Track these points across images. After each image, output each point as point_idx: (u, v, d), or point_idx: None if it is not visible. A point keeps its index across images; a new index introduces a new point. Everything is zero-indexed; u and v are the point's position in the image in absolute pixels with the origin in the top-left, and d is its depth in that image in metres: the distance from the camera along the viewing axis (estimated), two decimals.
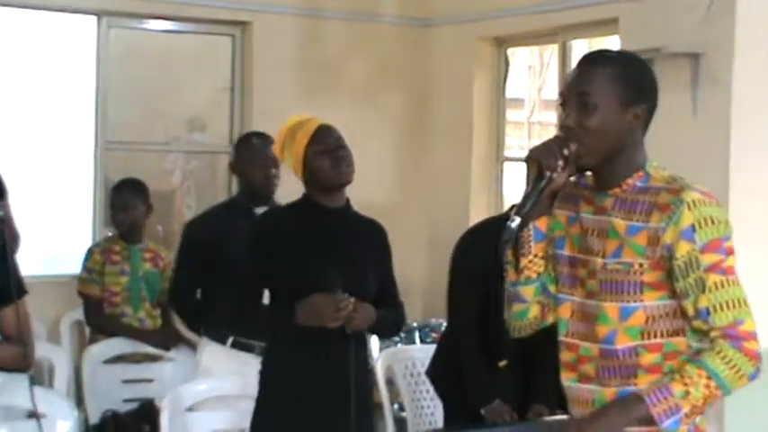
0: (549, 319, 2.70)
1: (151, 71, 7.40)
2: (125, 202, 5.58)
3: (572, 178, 2.62)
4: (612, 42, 6.58)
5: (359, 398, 3.61)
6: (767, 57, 5.53)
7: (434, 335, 6.25)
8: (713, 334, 2.46)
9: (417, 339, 6.42)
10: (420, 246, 7.68)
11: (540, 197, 2.56)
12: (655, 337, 2.52)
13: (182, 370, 5.22)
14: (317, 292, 3.48)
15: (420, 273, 7.58)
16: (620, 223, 2.53)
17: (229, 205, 4.81)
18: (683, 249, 2.47)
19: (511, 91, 7.85)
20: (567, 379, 2.64)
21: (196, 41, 7.54)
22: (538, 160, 2.55)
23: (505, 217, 4.59)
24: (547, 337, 2.75)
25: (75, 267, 5.77)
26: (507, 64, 7.61)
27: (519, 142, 8.57)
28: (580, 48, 7.34)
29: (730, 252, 2.51)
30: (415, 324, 6.07)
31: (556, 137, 2.59)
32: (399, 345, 6.13)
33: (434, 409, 4.93)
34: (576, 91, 2.56)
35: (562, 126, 2.58)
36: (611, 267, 2.54)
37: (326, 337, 3.50)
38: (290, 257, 3.60)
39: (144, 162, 7.35)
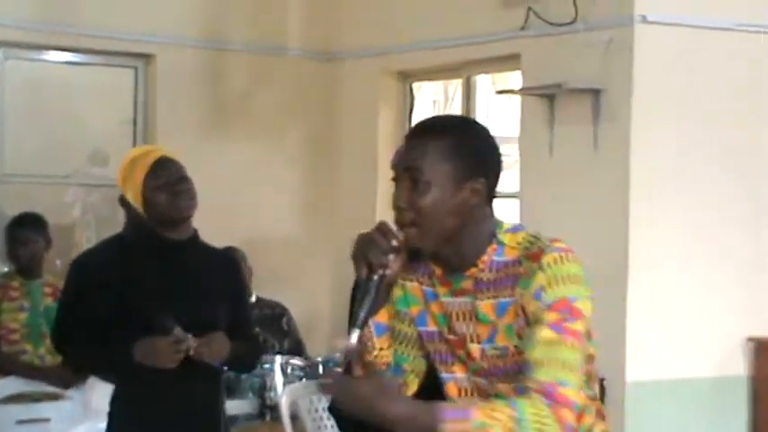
0: (409, 394, 2.45)
1: (51, 103, 7.29)
2: (24, 237, 5.48)
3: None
4: (515, 77, 6.66)
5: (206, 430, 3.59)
6: (663, 92, 5.65)
7: (338, 370, 6.19)
8: (530, 384, 2.17)
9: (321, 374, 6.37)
10: (325, 281, 7.65)
11: (376, 299, 2.29)
12: None
13: (81, 409, 5.11)
14: (155, 328, 3.42)
15: (324, 307, 7.55)
16: (487, 306, 2.31)
17: (117, 239, 4.71)
18: (531, 308, 2.23)
19: None
20: None
21: (98, 73, 7.44)
22: (366, 259, 2.29)
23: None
24: None
25: None
26: (412, 98, 7.65)
27: None
28: (484, 82, 7.42)
29: (578, 315, 2.23)
30: (319, 359, 6.01)
31: (380, 226, 2.31)
32: (304, 380, 6.09)
33: None
34: (407, 167, 2.31)
35: (393, 206, 2.33)
36: (489, 353, 2.32)
37: (170, 373, 3.43)
38: (131, 294, 3.51)
39: (43, 195, 7.21)
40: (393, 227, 2.32)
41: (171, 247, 3.59)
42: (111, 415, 3.63)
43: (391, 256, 2.28)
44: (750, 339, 5.89)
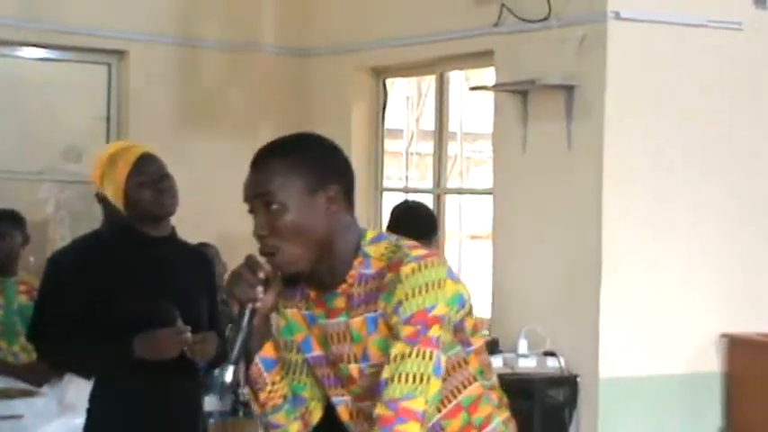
0: (315, 420, 2.47)
1: (25, 99, 7.26)
2: (2, 232, 5.45)
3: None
4: (489, 74, 6.67)
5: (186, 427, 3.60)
6: (636, 88, 5.67)
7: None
8: (377, 409, 2.18)
9: None
10: None
11: (249, 333, 2.26)
12: (449, 401, 2.33)
13: (56, 405, 5.08)
14: (147, 324, 3.41)
15: None
16: (358, 323, 2.29)
17: (94, 236, 4.70)
18: (392, 322, 2.22)
19: (389, 121, 7.89)
20: None
21: (72, 70, 7.42)
22: (234, 296, 2.26)
23: None
24: None
25: None
26: (386, 94, 7.65)
27: (398, 172, 8.61)
28: (457, 78, 7.43)
29: (433, 322, 2.20)
30: None
31: (247, 260, 2.28)
32: None
33: None
34: (256, 194, 2.28)
35: (255, 236, 2.30)
36: (367, 372, 2.31)
37: (156, 367, 3.42)
38: (117, 291, 3.50)
39: (16, 192, 7.18)
40: (261, 259, 2.28)
41: (150, 244, 3.57)
42: (90, 411, 3.61)
43: (260, 289, 2.25)
44: (723, 335, 5.93)
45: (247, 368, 2.33)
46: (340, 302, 2.32)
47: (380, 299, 2.25)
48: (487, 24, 6.19)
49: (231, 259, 6.45)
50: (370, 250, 2.31)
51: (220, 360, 3.79)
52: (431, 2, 6.46)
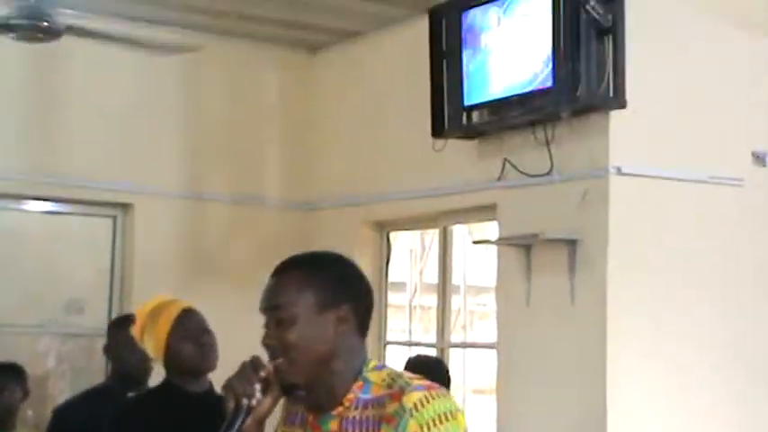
0: None
1: (27, 252, 7.27)
2: (2, 386, 5.40)
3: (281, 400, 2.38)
4: (491, 227, 6.70)
5: None
6: (638, 242, 5.68)
7: None
8: None
9: None
10: None
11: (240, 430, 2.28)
12: None
13: None
14: None
15: None
16: None
17: (101, 390, 4.67)
18: None
19: (393, 274, 7.89)
20: None
21: (76, 222, 7.45)
22: (231, 389, 2.30)
23: None
24: None
25: None
26: (389, 248, 7.68)
27: (401, 325, 8.57)
28: (460, 232, 7.46)
29: None
30: None
31: (252, 358, 2.33)
32: None
33: None
34: (268, 307, 2.35)
35: (263, 345, 2.36)
36: None
37: None
38: None
39: (16, 345, 7.13)
40: (264, 360, 2.33)
41: (194, 400, 3.55)
42: None
43: (258, 386, 2.29)
44: None
45: None
46: (334, 426, 2.32)
47: (382, 429, 2.24)
48: (490, 179, 6.25)
49: None
50: (371, 376, 2.33)
51: None
52: (434, 156, 6.52)
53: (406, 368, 4.79)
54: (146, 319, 3.59)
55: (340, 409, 2.32)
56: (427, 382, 2.28)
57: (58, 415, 4.66)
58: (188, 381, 3.56)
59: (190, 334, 3.54)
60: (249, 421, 2.29)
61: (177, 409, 3.53)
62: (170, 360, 3.54)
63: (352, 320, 2.35)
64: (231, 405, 2.29)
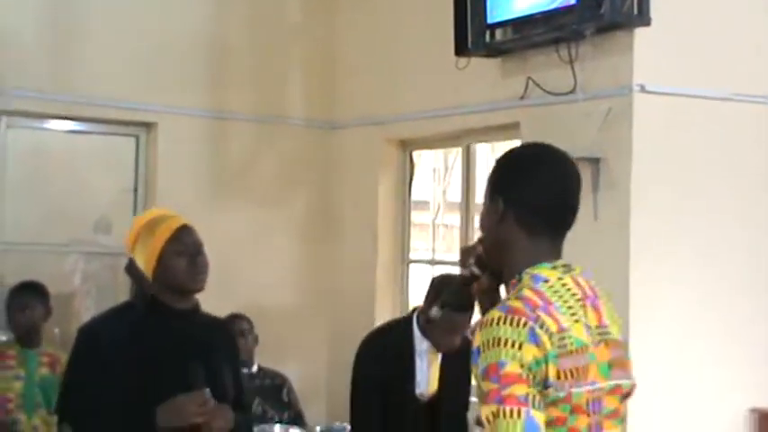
0: None
1: (53, 171, 7.31)
2: (25, 303, 5.46)
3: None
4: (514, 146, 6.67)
5: None
6: (662, 161, 5.66)
7: None
8: None
9: None
10: (324, 348, 7.62)
11: (460, 288, 2.64)
12: None
13: None
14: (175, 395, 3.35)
15: (324, 375, 7.51)
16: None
17: (125, 308, 4.68)
18: (474, 371, 2.31)
19: (416, 193, 7.90)
20: None
21: (100, 142, 7.48)
22: (460, 261, 2.62)
23: (407, 318, 4.61)
24: None
25: None
26: (412, 166, 7.68)
27: (424, 244, 8.60)
28: (483, 151, 7.45)
29: (507, 380, 2.24)
30: (318, 428, 5.97)
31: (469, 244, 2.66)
32: None
33: None
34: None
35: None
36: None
37: None
38: (143, 364, 3.43)
39: (43, 264, 7.20)
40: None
41: (179, 317, 3.54)
42: None
43: (472, 260, 2.60)
44: (752, 410, 5.85)
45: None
46: None
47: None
48: (514, 97, 6.22)
49: (261, 329, 6.45)
50: (525, 278, 2.48)
51: None
52: (457, 75, 6.49)
53: (430, 287, 4.80)
54: (141, 229, 3.54)
55: None
56: (514, 305, 2.36)
57: (84, 332, 4.70)
58: (175, 298, 3.53)
59: (186, 250, 3.50)
60: (475, 287, 2.60)
61: (164, 326, 3.51)
62: (160, 274, 3.50)
63: (513, 216, 2.51)
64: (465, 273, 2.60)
